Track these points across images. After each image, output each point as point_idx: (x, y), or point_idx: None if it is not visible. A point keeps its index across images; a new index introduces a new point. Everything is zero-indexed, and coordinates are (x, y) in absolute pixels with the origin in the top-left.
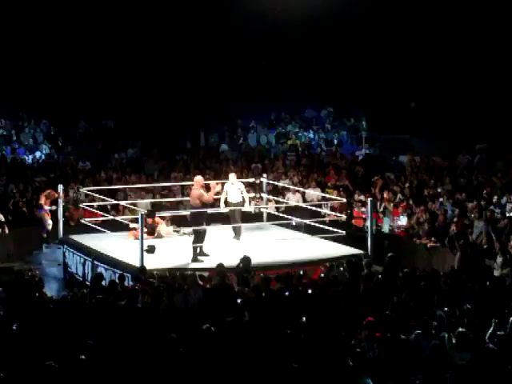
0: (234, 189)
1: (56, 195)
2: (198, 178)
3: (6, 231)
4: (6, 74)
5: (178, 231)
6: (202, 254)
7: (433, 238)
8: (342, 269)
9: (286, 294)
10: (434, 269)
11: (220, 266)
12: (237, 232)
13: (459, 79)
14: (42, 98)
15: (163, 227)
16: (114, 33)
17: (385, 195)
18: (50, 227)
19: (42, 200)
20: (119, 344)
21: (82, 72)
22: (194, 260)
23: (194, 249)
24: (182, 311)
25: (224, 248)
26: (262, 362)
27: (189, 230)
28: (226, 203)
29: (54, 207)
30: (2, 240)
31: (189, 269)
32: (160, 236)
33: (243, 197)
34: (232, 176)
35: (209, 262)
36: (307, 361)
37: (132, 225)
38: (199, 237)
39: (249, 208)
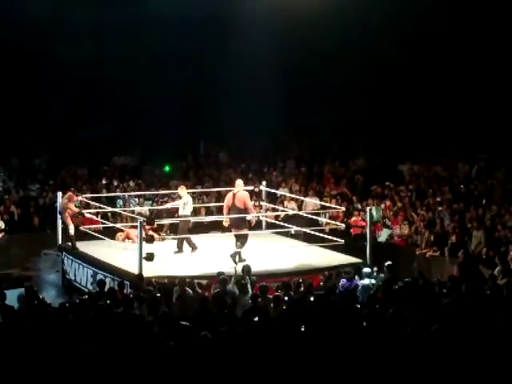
0: (181, 202)
1: (76, 198)
2: (241, 182)
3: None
4: None
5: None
6: (241, 258)
7: (432, 248)
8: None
9: (286, 298)
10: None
11: (220, 273)
12: (180, 246)
13: (459, 88)
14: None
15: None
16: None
17: (383, 204)
18: (72, 232)
19: (67, 204)
20: (115, 351)
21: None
22: (237, 262)
23: (239, 253)
24: (179, 319)
25: (222, 256)
26: (259, 371)
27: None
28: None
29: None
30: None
31: (188, 276)
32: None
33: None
34: (180, 189)
35: (207, 270)
36: (304, 371)
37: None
38: (245, 240)
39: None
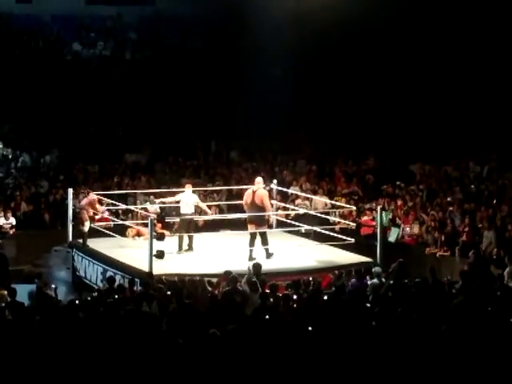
0: (176, 199)
1: (95, 208)
2: (261, 180)
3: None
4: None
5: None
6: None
7: (443, 248)
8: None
9: (294, 297)
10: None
11: (228, 272)
12: (189, 244)
13: (471, 89)
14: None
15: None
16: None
17: (393, 203)
18: (86, 229)
19: (88, 205)
20: (124, 349)
21: (92, 77)
22: (269, 257)
23: (266, 250)
24: (189, 317)
25: (232, 254)
26: (267, 369)
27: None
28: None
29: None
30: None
31: (198, 274)
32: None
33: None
34: (186, 187)
35: (218, 268)
36: (313, 369)
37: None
38: (266, 237)
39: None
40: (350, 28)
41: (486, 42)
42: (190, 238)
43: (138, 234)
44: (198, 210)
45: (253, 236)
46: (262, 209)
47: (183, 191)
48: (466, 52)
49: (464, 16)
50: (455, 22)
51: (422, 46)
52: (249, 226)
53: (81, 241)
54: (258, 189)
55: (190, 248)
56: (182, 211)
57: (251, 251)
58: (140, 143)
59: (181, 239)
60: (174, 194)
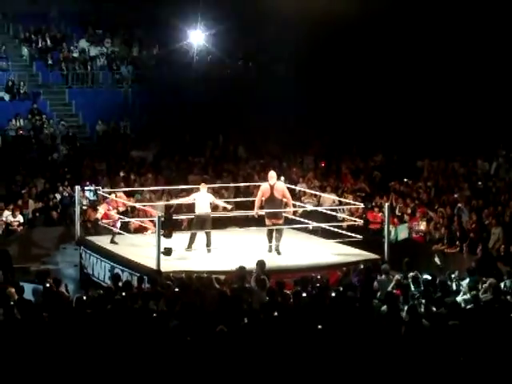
0: (202, 199)
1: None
2: (275, 174)
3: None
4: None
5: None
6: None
7: (451, 244)
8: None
9: (304, 295)
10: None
11: (241, 268)
12: (208, 242)
13: (478, 86)
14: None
15: None
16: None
17: (407, 201)
18: (118, 225)
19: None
20: (132, 346)
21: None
22: (279, 253)
23: (277, 246)
24: (197, 314)
25: (239, 251)
26: (274, 367)
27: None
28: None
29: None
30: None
31: (206, 271)
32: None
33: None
34: (201, 186)
35: (225, 265)
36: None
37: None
38: (281, 233)
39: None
40: (357, 24)
41: (493, 39)
42: (208, 234)
43: (143, 229)
44: (215, 209)
45: (272, 231)
46: (282, 202)
47: (197, 189)
48: (475, 48)
49: (474, 13)
50: (463, 18)
51: (431, 43)
52: (267, 222)
53: (90, 238)
54: (275, 183)
55: (209, 245)
56: (198, 210)
57: (278, 246)
58: (147, 140)
59: (193, 237)
60: (188, 193)
